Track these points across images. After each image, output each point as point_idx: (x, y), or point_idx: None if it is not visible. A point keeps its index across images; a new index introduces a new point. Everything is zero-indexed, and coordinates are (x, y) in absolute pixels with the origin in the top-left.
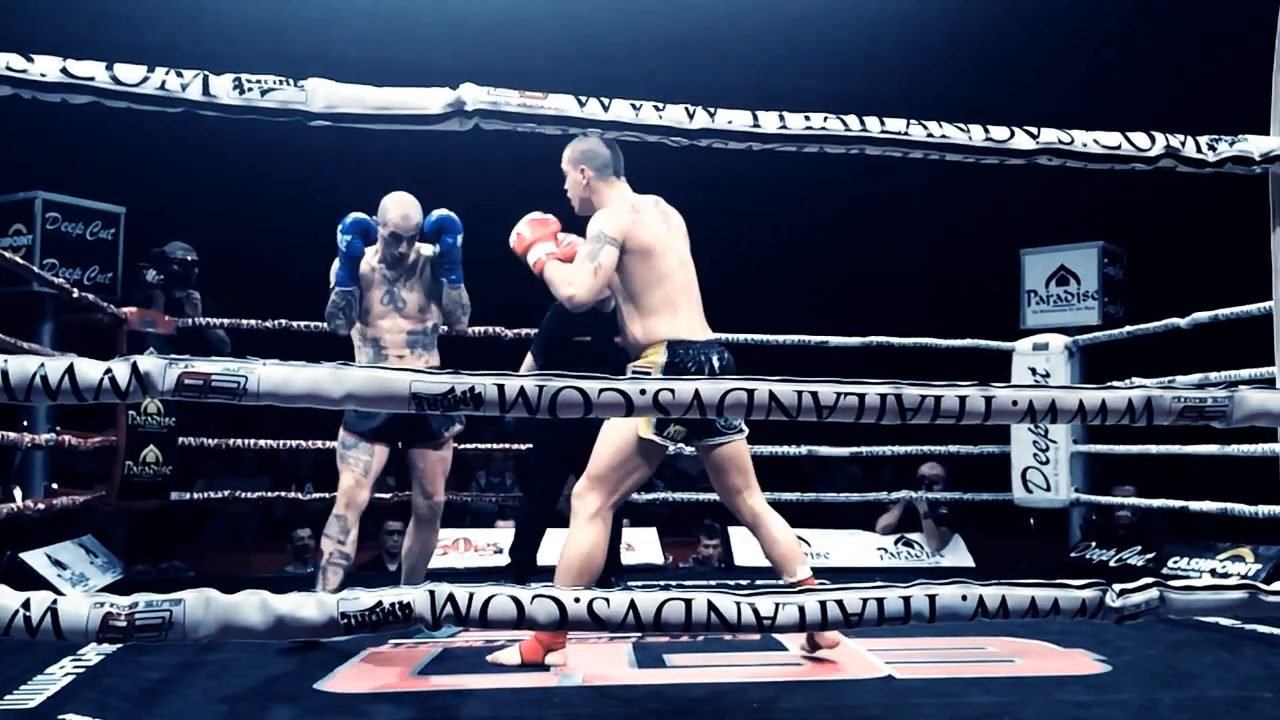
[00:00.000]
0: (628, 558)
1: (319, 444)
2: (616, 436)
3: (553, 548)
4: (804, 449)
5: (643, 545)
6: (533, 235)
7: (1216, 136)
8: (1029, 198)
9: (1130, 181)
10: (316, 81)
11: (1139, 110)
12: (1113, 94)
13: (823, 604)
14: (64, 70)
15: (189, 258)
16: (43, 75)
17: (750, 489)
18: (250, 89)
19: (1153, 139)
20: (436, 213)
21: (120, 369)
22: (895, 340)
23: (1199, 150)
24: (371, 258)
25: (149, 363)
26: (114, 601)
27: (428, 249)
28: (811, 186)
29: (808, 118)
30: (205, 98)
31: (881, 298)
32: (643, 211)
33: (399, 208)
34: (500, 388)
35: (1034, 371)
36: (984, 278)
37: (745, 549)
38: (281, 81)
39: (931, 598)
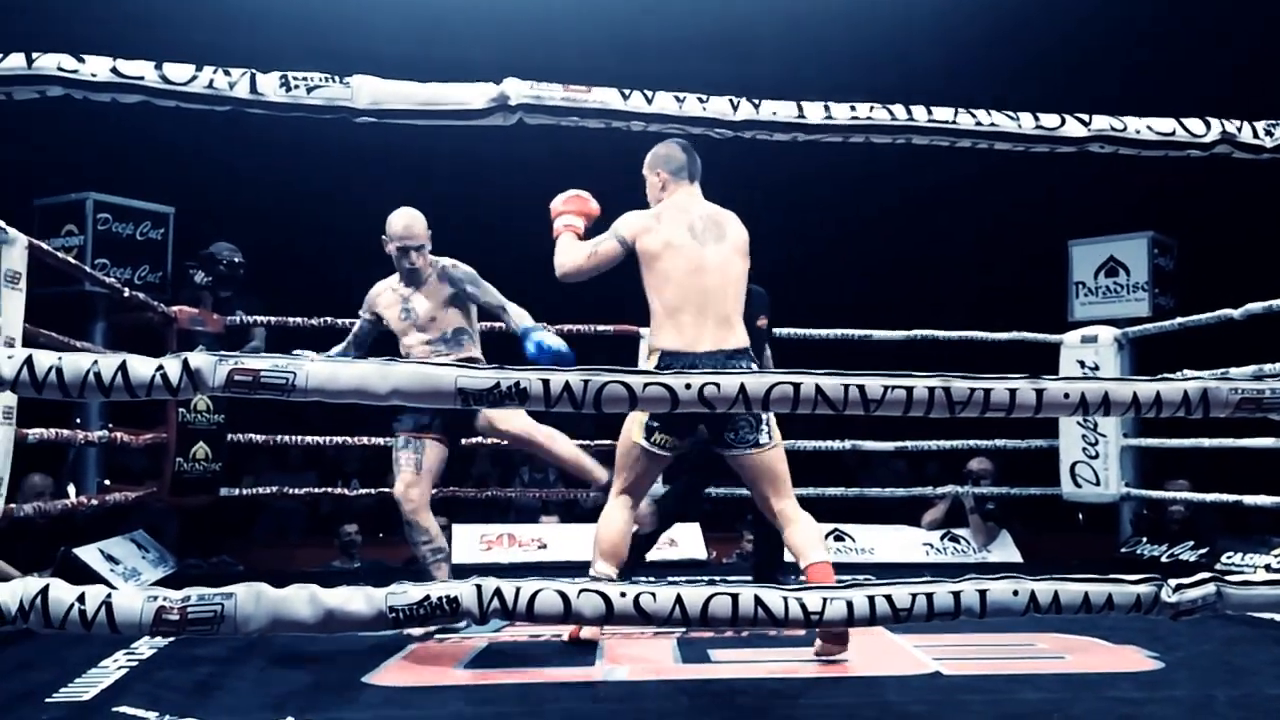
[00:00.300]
0: (670, 553)
1: (365, 440)
2: (623, 437)
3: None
4: (848, 444)
5: (686, 540)
6: (564, 207)
7: (1274, 122)
8: (1077, 188)
9: (1181, 169)
10: (362, 78)
11: (1181, 103)
12: (1146, 93)
13: (871, 599)
14: (114, 70)
15: (235, 259)
16: (93, 75)
17: (779, 497)
18: (296, 86)
19: (1208, 125)
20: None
21: (172, 366)
22: (941, 334)
23: (1255, 136)
24: (391, 280)
25: (200, 359)
26: (167, 595)
27: (446, 260)
28: (857, 179)
29: (853, 108)
30: (253, 96)
31: (928, 290)
32: (666, 219)
33: (400, 219)
34: (545, 382)
35: (1082, 364)
36: (1031, 269)
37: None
38: (327, 79)
39: (982, 593)
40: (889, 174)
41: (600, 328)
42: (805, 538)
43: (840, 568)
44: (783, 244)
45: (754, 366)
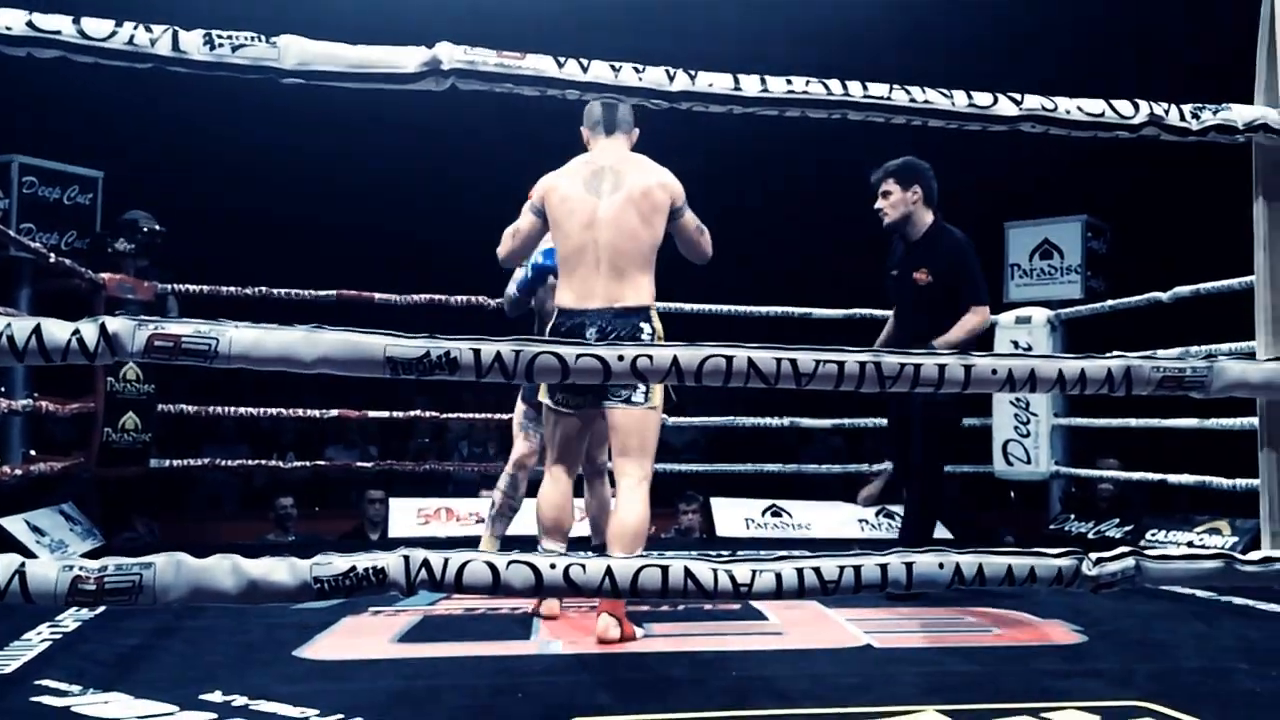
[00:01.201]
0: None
1: (301, 412)
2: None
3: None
4: (786, 420)
5: None
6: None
7: (1200, 105)
8: (1014, 170)
9: (1115, 155)
10: (289, 38)
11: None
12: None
13: (800, 572)
14: (29, 24)
15: (156, 227)
16: (7, 29)
17: (631, 461)
18: (221, 45)
19: (1136, 107)
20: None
21: (88, 330)
22: (880, 312)
23: (1183, 119)
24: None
25: (118, 324)
26: (83, 565)
27: None
28: (793, 156)
29: (789, 81)
30: (175, 54)
31: (868, 269)
32: (568, 173)
33: None
34: (476, 352)
35: (1016, 344)
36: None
37: (726, 519)
38: (253, 38)
39: (908, 565)
40: (828, 151)
41: None
42: (625, 524)
43: (777, 543)
44: (723, 219)
45: (648, 327)
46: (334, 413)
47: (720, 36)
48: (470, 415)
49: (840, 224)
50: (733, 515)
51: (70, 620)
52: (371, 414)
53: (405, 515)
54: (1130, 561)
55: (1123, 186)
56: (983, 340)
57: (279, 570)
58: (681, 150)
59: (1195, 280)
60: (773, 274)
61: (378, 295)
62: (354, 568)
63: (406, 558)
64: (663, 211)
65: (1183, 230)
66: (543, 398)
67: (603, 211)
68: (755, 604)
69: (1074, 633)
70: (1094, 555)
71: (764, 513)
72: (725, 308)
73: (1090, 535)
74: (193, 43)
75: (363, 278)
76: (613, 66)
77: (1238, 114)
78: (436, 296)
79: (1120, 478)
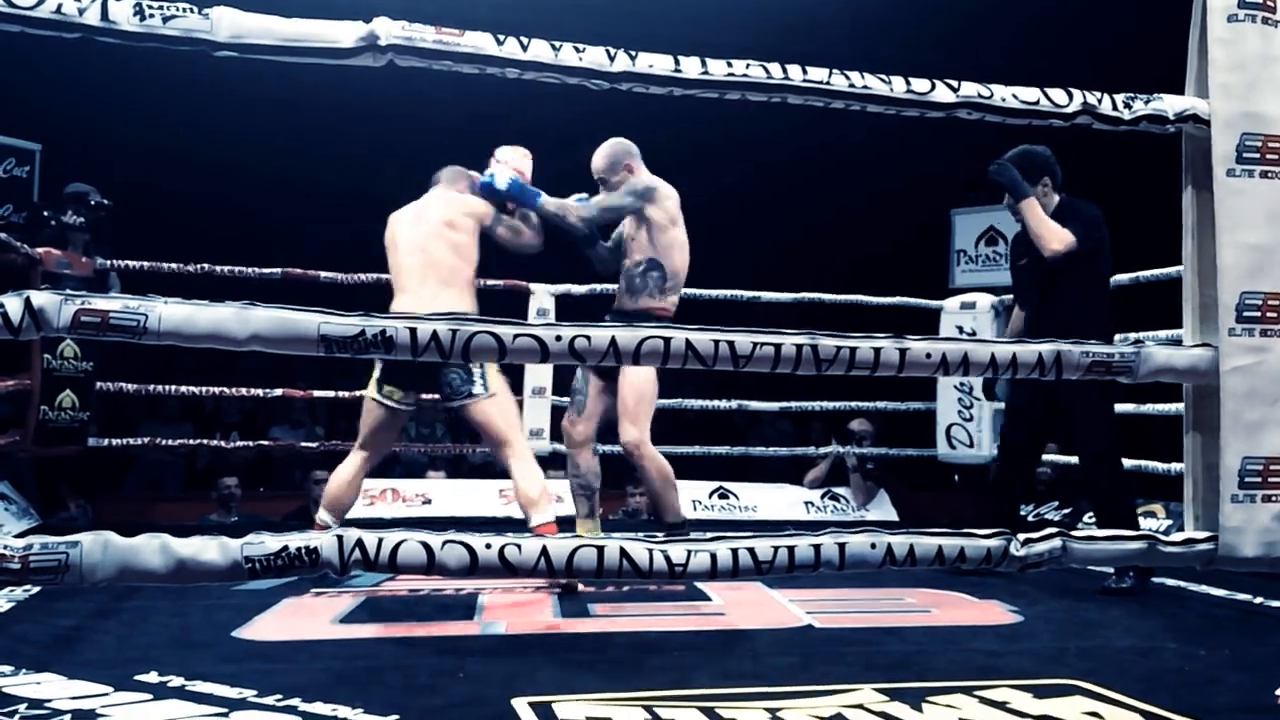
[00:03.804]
0: (557, 510)
1: (245, 391)
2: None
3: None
4: (734, 403)
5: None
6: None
7: (1133, 95)
8: (960, 158)
9: (1060, 144)
10: (222, 10)
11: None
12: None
13: (734, 552)
14: None
15: (102, 200)
16: None
17: (503, 447)
18: (152, 15)
19: (1070, 95)
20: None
21: (12, 304)
22: (826, 296)
23: (1115, 108)
24: None
25: (43, 298)
26: (8, 544)
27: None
28: (744, 141)
29: (730, 64)
30: (104, 23)
31: (816, 255)
32: (399, 216)
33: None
34: (412, 331)
35: (961, 330)
36: (915, 236)
37: None
38: (185, 9)
39: (841, 546)
40: (779, 137)
41: (489, 282)
42: (525, 495)
43: (724, 525)
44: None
45: None
46: (278, 392)
47: (670, 19)
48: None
49: (790, 208)
50: (680, 497)
51: (3, 601)
52: (317, 393)
53: None
54: (1057, 542)
55: (1070, 174)
56: (928, 325)
57: (209, 550)
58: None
59: (1140, 268)
60: (721, 257)
61: (323, 274)
62: (286, 547)
63: (340, 537)
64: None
65: (1128, 218)
66: (370, 391)
67: (413, 236)
68: (699, 585)
69: (1010, 613)
70: (1022, 536)
71: (711, 495)
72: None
73: (1030, 518)
74: (122, 12)
75: (309, 257)
76: (552, 45)
77: (1168, 104)
78: (384, 276)
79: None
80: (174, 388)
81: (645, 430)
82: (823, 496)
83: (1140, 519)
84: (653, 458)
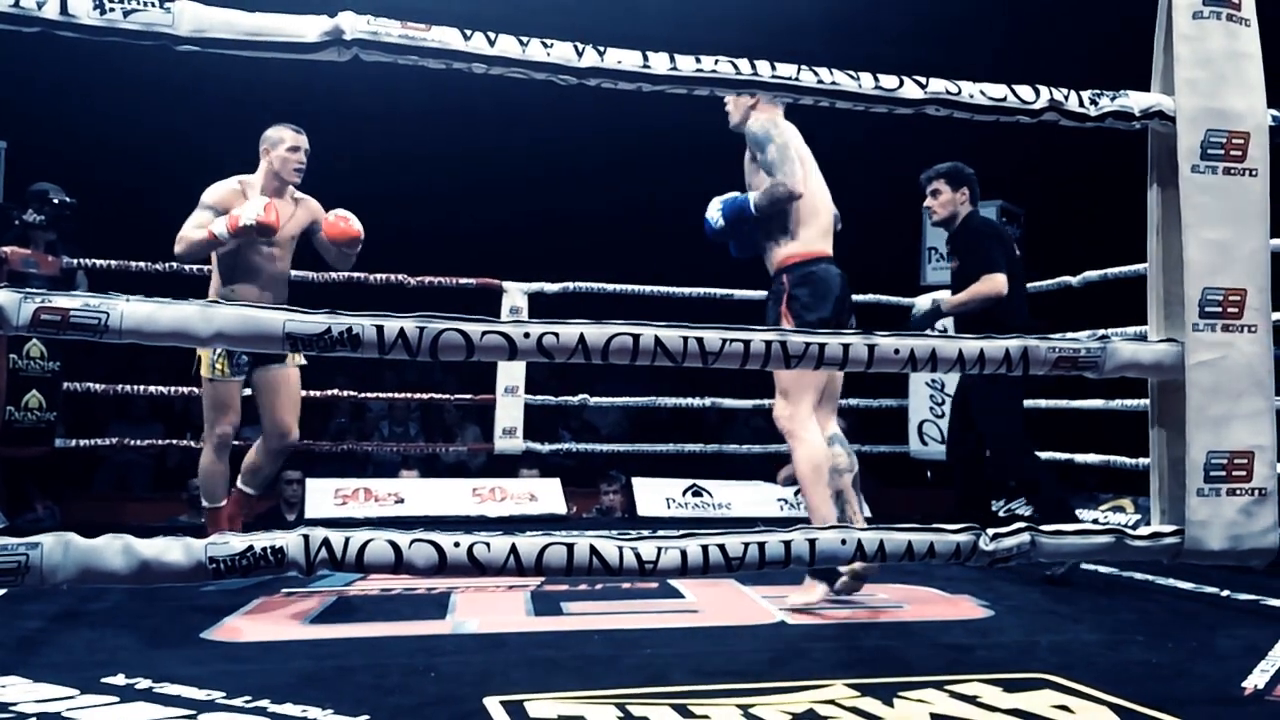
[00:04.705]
0: (529, 508)
1: None
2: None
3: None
4: (708, 401)
5: (546, 495)
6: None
7: (1099, 91)
8: (931, 156)
9: (1032, 140)
10: (184, 3)
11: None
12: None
13: (705, 549)
14: None
15: (67, 199)
16: None
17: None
18: (112, 9)
19: (1037, 92)
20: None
21: None
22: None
23: (1081, 105)
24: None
25: (2, 296)
26: None
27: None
28: (716, 139)
29: (699, 60)
30: (63, 17)
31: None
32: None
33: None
34: (379, 329)
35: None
36: (887, 234)
37: (647, 498)
38: (147, 2)
39: (812, 542)
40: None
41: (462, 280)
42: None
43: (697, 522)
44: (646, 201)
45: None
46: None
47: (646, 18)
48: (391, 395)
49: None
50: (654, 495)
51: None
52: None
53: (322, 496)
54: (1025, 536)
55: (1039, 171)
56: (900, 323)
57: (173, 550)
58: (608, 128)
59: (1111, 265)
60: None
61: (293, 271)
62: (251, 547)
63: (306, 537)
64: None
65: (1097, 215)
66: (204, 373)
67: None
68: (673, 583)
69: (981, 607)
70: (991, 531)
71: (685, 492)
72: (644, 288)
73: (1001, 513)
74: (82, 6)
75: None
76: (520, 40)
77: (1134, 101)
78: (356, 275)
79: None
80: (143, 388)
81: (799, 406)
82: (796, 494)
83: (1109, 513)
84: (803, 440)
